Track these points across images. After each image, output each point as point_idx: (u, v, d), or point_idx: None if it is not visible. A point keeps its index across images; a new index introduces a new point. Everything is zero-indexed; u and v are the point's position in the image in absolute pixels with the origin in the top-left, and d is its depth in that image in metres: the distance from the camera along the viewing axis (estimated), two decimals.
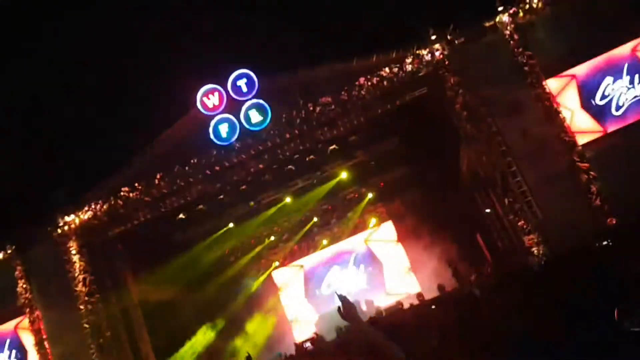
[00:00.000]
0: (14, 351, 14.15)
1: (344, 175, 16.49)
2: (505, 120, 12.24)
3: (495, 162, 12.30)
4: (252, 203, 16.46)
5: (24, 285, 13.81)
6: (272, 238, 19.58)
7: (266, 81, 13.29)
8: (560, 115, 12.15)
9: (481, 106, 12.44)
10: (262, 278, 19.90)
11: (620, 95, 12.17)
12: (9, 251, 13.94)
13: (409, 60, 12.70)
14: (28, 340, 13.91)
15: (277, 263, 20.52)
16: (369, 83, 12.79)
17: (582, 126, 12.20)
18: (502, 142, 12.25)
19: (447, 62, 12.68)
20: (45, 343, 13.64)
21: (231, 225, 17.17)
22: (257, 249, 19.40)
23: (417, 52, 12.78)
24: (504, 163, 12.23)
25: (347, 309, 3.37)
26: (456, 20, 12.96)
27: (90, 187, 14.13)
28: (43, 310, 13.78)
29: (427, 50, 12.74)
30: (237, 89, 13.48)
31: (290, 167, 15.04)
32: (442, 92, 12.83)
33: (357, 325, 3.35)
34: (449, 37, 12.82)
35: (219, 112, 13.51)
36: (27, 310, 13.74)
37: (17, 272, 13.85)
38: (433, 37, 12.81)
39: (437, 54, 12.70)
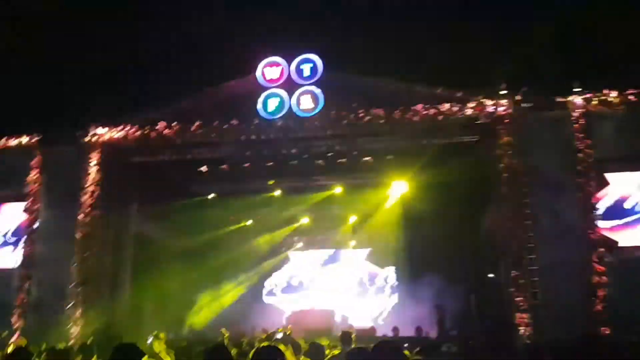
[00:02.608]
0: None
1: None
2: (541, 197, 12.12)
3: (516, 233, 12.18)
4: (271, 181, 16.55)
5: (36, 176, 14.08)
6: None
7: (330, 73, 13.32)
8: (595, 212, 12.01)
9: (524, 175, 12.34)
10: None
11: None
12: (34, 139, 14.22)
13: (471, 104, 12.65)
14: None
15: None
16: (425, 112, 12.76)
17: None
18: (530, 216, 12.12)
19: (507, 121, 12.60)
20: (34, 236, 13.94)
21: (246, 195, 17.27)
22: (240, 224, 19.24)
23: (482, 100, 12.71)
24: (524, 237, 12.11)
25: None
26: (531, 84, 12.89)
27: (131, 109, 14.33)
28: (44, 205, 14.06)
29: (493, 102, 12.67)
30: (299, 70, 13.55)
31: (320, 162, 15.10)
32: (492, 147, 12.74)
33: None
34: (517, 98, 12.74)
35: (274, 86, 13.61)
36: (30, 200, 14.01)
37: (33, 161, 14.13)
38: (502, 92, 12.74)
39: (500, 109, 12.62)
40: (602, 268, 11.68)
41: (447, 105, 12.79)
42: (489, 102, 12.71)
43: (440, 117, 12.84)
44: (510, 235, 12.25)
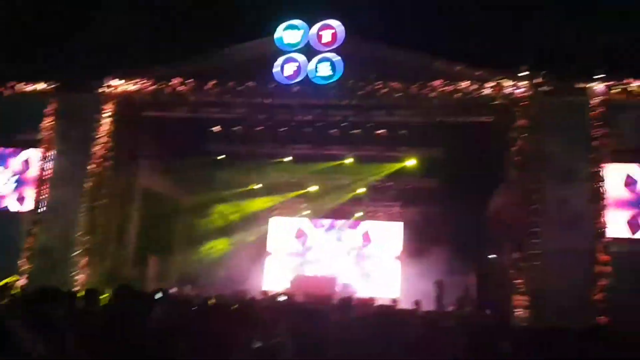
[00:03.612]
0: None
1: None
2: (551, 183, 12.07)
3: (522, 217, 12.19)
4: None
5: (51, 123, 14.15)
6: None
7: (350, 42, 13.13)
8: (603, 202, 11.95)
9: (535, 159, 12.28)
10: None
11: None
12: (51, 86, 14.23)
13: (490, 84, 12.50)
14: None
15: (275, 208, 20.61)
16: (443, 89, 12.64)
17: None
18: (539, 200, 12.10)
19: (524, 103, 12.47)
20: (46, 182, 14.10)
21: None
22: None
23: (501, 80, 12.56)
24: (530, 221, 12.12)
25: None
26: (552, 68, 12.70)
27: (147, 64, 14.25)
28: (57, 152, 14.15)
29: (512, 83, 12.51)
30: (319, 36, 13.35)
31: (334, 131, 15.06)
32: (506, 129, 12.64)
33: None
34: (536, 80, 12.57)
35: (293, 50, 13.45)
36: (44, 146, 14.11)
37: (49, 108, 14.18)
38: (523, 74, 12.56)
39: (519, 91, 12.48)
40: (607, 257, 11.69)
41: (465, 83, 12.65)
42: (508, 82, 12.55)
43: (457, 95, 12.72)
44: (516, 218, 12.26)
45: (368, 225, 19.86)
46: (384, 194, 19.08)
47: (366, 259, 19.26)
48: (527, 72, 12.48)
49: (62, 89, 14.23)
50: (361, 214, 19.79)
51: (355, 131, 14.72)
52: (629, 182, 12.11)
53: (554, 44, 14.14)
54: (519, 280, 11.86)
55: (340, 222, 19.93)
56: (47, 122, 14.15)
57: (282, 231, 20.57)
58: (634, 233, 11.93)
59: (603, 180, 11.98)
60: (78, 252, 13.40)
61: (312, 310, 4.73)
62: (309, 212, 20.33)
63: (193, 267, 18.14)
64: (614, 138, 12.03)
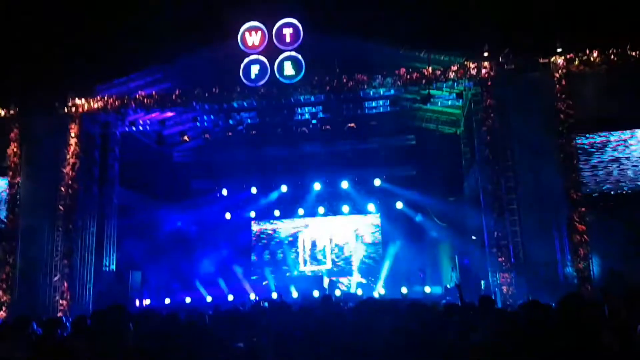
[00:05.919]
0: None
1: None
2: (523, 158, 12.21)
3: (499, 195, 12.31)
4: None
5: (15, 149, 13.85)
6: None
7: (311, 38, 13.08)
8: (576, 172, 12.12)
9: (506, 137, 12.40)
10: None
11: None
12: (11, 111, 13.92)
13: (454, 67, 12.57)
14: None
15: (253, 214, 20.56)
16: (409, 76, 12.67)
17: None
18: (512, 178, 12.24)
19: (489, 83, 12.57)
20: (17, 210, 13.79)
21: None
22: None
23: (465, 62, 12.64)
24: (506, 198, 12.25)
25: None
26: (513, 46, 12.82)
27: (108, 79, 14.01)
28: (25, 178, 13.86)
29: (475, 64, 12.60)
30: (281, 36, 13.27)
31: (304, 129, 15.02)
32: (475, 110, 12.75)
33: None
34: (500, 59, 12.68)
35: (255, 52, 13.35)
36: (10, 173, 13.81)
37: (12, 134, 13.88)
38: (485, 54, 12.66)
39: (483, 71, 12.58)
40: (583, 227, 11.86)
41: (429, 69, 12.70)
42: (471, 64, 12.63)
43: (423, 81, 12.77)
44: (493, 197, 12.37)
45: (348, 219, 19.84)
46: (361, 186, 19.10)
47: (350, 253, 19.23)
48: (488, 53, 12.58)
49: (23, 113, 13.93)
50: (342, 208, 19.78)
51: (326, 127, 14.67)
52: None
53: (515, 22, 14.28)
54: (501, 258, 11.98)
55: (321, 219, 19.88)
56: (12, 147, 13.84)
57: (265, 235, 20.44)
58: None
59: (573, 151, 12.16)
60: (57, 277, 13.15)
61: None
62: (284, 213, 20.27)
63: (179, 277, 17.96)
64: (579, 109, 12.20)
